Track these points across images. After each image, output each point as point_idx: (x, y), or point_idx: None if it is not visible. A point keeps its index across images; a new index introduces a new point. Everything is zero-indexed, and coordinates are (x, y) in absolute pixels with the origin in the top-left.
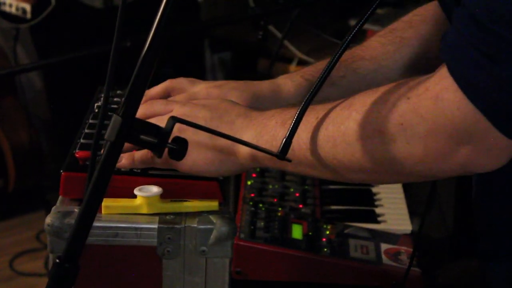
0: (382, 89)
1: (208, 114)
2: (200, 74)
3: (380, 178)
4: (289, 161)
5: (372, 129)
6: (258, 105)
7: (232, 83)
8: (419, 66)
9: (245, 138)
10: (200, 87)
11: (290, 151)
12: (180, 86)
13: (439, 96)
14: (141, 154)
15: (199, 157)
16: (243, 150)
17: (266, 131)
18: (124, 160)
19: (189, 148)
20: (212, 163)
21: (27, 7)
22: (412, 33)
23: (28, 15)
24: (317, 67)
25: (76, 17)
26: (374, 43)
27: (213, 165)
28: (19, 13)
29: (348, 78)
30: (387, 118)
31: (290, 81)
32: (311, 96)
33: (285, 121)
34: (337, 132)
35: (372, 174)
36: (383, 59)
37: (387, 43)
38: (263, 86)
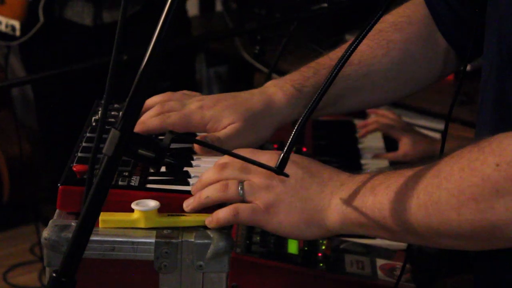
0: (466, 155)
1: (300, 172)
2: (193, 87)
3: (478, 244)
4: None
5: (466, 199)
6: (253, 120)
7: (224, 102)
8: (405, 67)
9: (335, 202)
10: (194, 106)
11: (382, 220)
12: (176, 98)
13: None
14: (225, 213)
15: (286, 218)
16: (332, 216)
17: (357, 197)
18: (212, 222)
19: (278, 208)
20: (298, 226)
21: (17, 24)
22: (398, 36)
23: (18, 33)
24: (304, 75)
25: (65, 35)
26: (362, 46)
27: (298, 229)
28: (9, 30)
29: (338, 85)
30: (480, 186)
31: (280, 92)
32: (307, 114)
33: (375, 187)
34: (429, 201)
35: (470, 240)
36: (372, 64)
37: (375, 47)
38: (255, 100)
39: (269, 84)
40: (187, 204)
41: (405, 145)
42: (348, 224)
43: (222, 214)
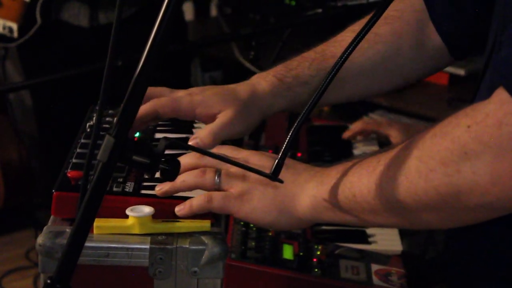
0: (440, 123)
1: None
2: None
3: (447, 216)
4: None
5: (435, 163)
6: (241, 108)
7: (212, 90)
8: (391, 61)
9: (307, 188)
10: (183, 93)
11: (351, 197)
12: (160, 93)
13: (503, 121)
14: (198, 200)
15: (258, 204)
16: (304, 201)
17: (328, 179)
18: (184, 209)
19: (251, 195)
20: (270, 212)
21: (14, 26)
22: (386, 30)
23: (15, 34)
24: (287, 67)
25: (62, 36)
26: (347, 38)
27: (271, 215)
28: (6, 32)
29: (320, 77)
30: (449, 149)
31: (263, 81)
32: (301, 120)
33: (346, 169)
34: (398, 171)
35: (438, 212)
36: (356, 57)
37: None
38: (240, 89)
39: (254, 76)
40: (160, 188)
41: (395, 137)
42: (318, 209)
43: (196, 200)
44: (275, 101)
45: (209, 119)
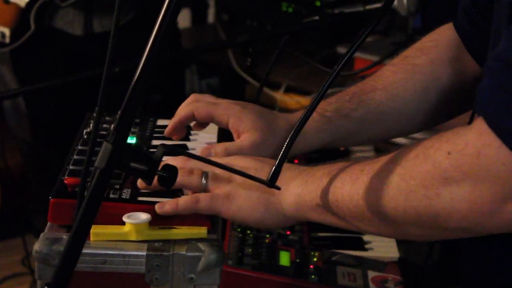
0: (424, 143)
1: (260, 163)
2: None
3: (428, 233)
4: (278, 189)
5: (415, 184)
6: (266, 135)
7: (256, 108)
8: (431, 92)
9: (292, 186)
10: (225, 101)
11: (334, 202)
12: (203, 98)
13: (481, 152)
14: (185, 200)
15: (245, 203)
16: (288, 199)
17: (312, 180)
18: (167, 206)
19: (237, 194)
20: (257, 209)
21: (6, 31)
22: (423, 60)
23: (7, 39)
24: (327, 101)
25: (56, 44)
26: (387, 72)
27: (257, 212)
28: None
29: (360, 111)
30: (430, 173)
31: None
32: (301, 125)
33: (331, 172)
34: (380, 185)
35: (419, 228)
36: (394, 88)
37: (399, 71)
38: (282, 119)
39: (300, 111)
40: (141, 182)
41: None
42: (302, 207)
43: (182, 200)
44: (315, 135)
45: (237, 134)
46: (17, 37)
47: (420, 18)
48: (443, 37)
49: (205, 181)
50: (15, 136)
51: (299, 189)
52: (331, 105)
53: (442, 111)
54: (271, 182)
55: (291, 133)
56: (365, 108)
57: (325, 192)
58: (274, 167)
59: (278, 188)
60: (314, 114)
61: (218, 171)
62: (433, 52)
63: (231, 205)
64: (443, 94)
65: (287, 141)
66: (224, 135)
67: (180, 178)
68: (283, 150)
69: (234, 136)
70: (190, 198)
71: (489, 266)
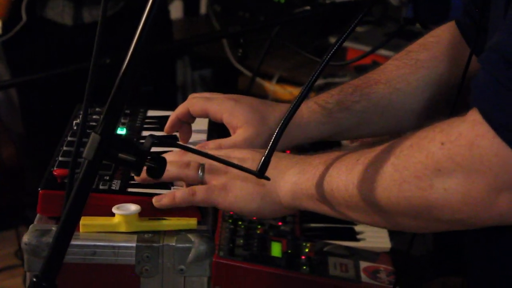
0: (418, 133)
1: (257, 154)
2: (174, 91)
3: (422, 224)
4: (268, 179)
5: (409, 174)
6: (261, 129)
7: (250, 101)
8: (434, 88)
9: (288, 174)
10: (219, 96)
11: (329, 191)
12: (200, 95)
13: (474, 143)
14: (182, 192)
15: (241, 193)
16: (284, 187)
17: (309, 169)
18: (165, 199)
19: (233, 185)
20: (253, 199)
21: None
22: (426, 55)
23: (0, 31)
24: (330, 93)
25: (47, 34)
26: (390, 66)
27: (254, 201)
28: None
29: (362, 103)
30: (423, 163)
31: (305, 108)
32: (289, 116)
33: (328, 160)
34: (374, 175)
35: (413, 219)
36: (398, 82)
37: (402, 66)
38: (276, 110)
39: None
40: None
41: None
42: (298, 196)
43: (179, 193)
44: (315, 127)
45: (232, 129)
46: (9, 28)
47: (411, 8)
48: (445, 34)
49: (201, 174)
50: (8, 128)
51: (296, 178)
52: (333, 97)
53: (443, 107)
54: (260, 173)
55: (280, 124)
56: (367, 101)
57: (320, 181)
58: (263, 158)
59: (268, 179)
60: (315, 106)
61: (214, 162)
62: (436, 49)
63: (228, 196)
64: (445, 90)
65: (276, 131)
66: (214, 127)
67: (177, 171)
68: (272, 141)
69: (230, 131)
70: (187, 191)
71: (494, 259)
